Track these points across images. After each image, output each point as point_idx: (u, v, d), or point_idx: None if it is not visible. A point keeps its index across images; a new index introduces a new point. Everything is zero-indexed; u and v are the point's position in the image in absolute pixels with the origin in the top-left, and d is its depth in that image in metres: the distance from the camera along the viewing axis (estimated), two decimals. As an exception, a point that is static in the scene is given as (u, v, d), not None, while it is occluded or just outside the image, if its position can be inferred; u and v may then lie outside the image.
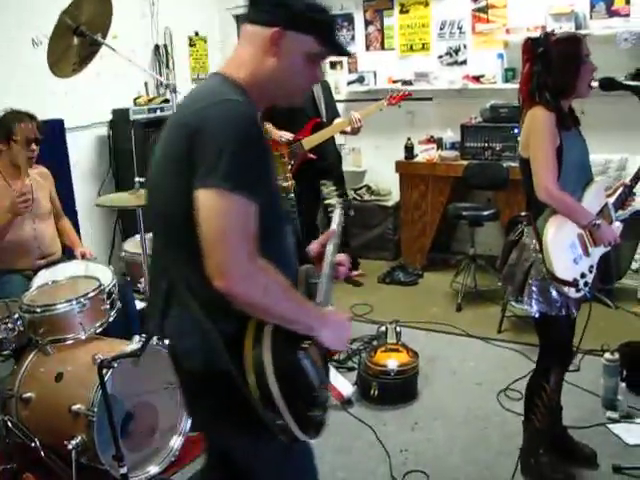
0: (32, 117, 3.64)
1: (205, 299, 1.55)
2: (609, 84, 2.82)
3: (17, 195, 3.42)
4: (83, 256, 3.88)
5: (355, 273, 5.59)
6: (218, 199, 1.46)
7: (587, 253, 2.74)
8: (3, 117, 3.61)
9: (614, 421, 3.38)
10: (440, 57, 5.94)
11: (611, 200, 2.88)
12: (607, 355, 3.53)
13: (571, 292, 2.68)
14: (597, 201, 2.81)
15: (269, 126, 4.89)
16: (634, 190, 2.94)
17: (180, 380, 1.76)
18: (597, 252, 2.79)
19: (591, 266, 2.76)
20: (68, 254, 3.91)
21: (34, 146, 3.61)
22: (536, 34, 2.84)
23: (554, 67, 2.64)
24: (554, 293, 2.69)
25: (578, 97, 2.70)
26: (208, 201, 1.47)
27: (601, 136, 4.79)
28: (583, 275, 2.71)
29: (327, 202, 2.28)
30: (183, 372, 1.72)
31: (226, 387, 1.55)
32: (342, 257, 2.03)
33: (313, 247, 2.03)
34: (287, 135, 4.82)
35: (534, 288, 2.72)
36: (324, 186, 2.33)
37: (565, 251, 2.69)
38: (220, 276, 1.46)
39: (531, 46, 2.71)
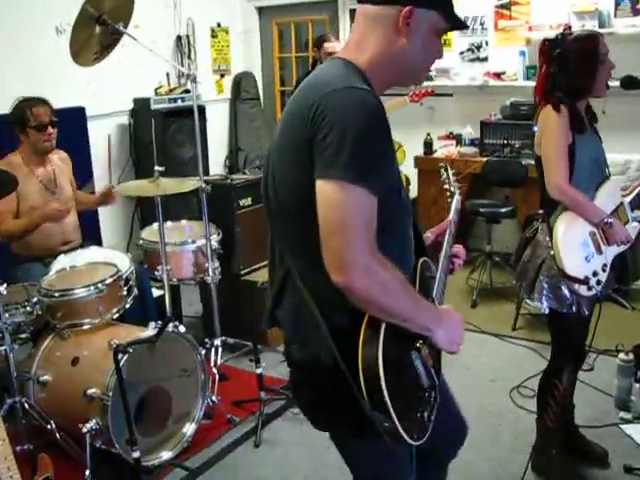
0: (44, 101, 3.65)
1: (318, 291, 1.53)
2: (630, 83, 2.80)
3: (54, 208, 3.52)
4: (108, 191, 3.94)
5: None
6: (339, 191, 1.40)
7: (600, 251, 2.72)
8: (15, 107, 3.63)
9: (627, 422, 3.37)
10: (462, 53, 5.92)
11: (627, 199, 2.85)
12: (621, 355, 3.53)
13: (582, 290, 2.66)
14: (612, 200, 2.78)
15: None
16: None
17: (289, 367, 1.73)
18: (611, 251, 2.76)
19: (604, 265, 2.73)
20: (87, 241, 3.95)
21: (50, 129, 3.63)
22: (557, 32, 2.82)
23: (571, 67, 2.62)
24: (565, 290, 2.68)
25: (596, 96, 2.69)
26: (329, 193, 1.41)
27: (622, 136, 4.77)
28: (595, 273, 2.69)
29: (445, 187, 2.20)
30: (291, 361, 1.70)
31: (331, 381, 1.52)
32: (459, 249, 1.99)
33: (428, 236, 1.97)
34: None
35: (545, 284, 2.72)
36: (443, 169, 2.23)
37: (576, 248, 2.67)
38: (339, 271, 1.41)
39: (548, 48, 2.71)
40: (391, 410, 1.44)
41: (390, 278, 1.47)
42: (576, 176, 2.63)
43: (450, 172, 2.26)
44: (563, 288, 2.69)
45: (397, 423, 1.46)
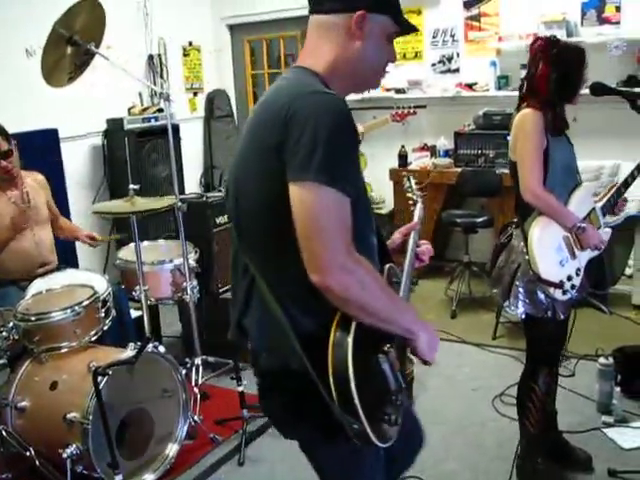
0: None
1: (286, 296, 1.54)
2: (600, 89, 2.84)
3: (19, 215, 3.48)
4: (91, 238, 3.92)
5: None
6: (315, 193, 1.42)
7: (574, 256, 2.76)
8: None
9: (609, 425, 3.38)
10: (433, 65, 5.97)
11: (599, 205, 2.89)
12: (602, 360, 3.55)
13: (557, 294, 2.69)
14: (584, 206, 2.82)
15: None
16: (626, 196, 2.96)
17: (257, 376, 1.74)
18: (584, 256, 2.80)
19: (578, 269, 2.77)
20: (63, 263, 3.90)
21: (3, 162, 3.50)
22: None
23: (569, 71, 2.69)
24: (540, 295, 2.71)
25: (573, 103, 2.75)
26: (304, 196, 1.43)
27: (594, 142, 4.84)
28: (570, 277, 2.73)
29: (408, 196, 2.24)
30: (259, 369, 1.70)
31: (300, 386, 1.54)
32: (426, 247, 2.02)
33: (395, 237, 2.01)
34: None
35: (521, 289, 2.74)
36: (406, 179, 2.28)
37: (551, 253, 2.71)
38: (317, 270, 1.43)
39: (546, 47, 2.74)
40: (360, 412, 1.46)
41: (369, 277, 1.49)
42: (550, 180, 2.67)
43: (412, 181, 2.31)
44: (539, 293, 2.71)
45: (366, 425, 1.47)
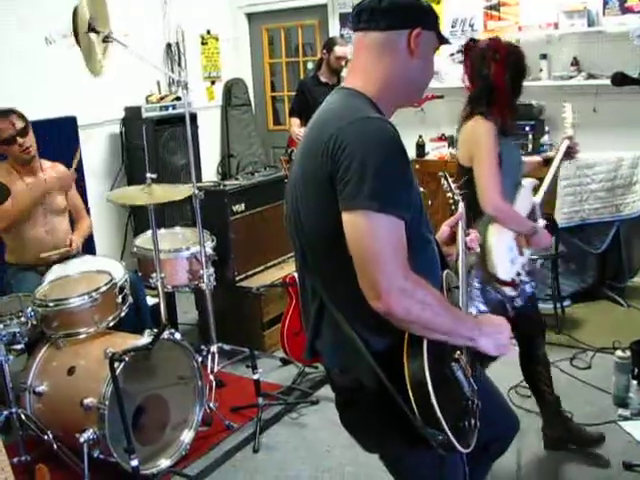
0: (5, 113, 3.54)
1: (355, 317, 1.56)
2: (621, 79, 2.80)
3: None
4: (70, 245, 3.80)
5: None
6: (366, 221, 1.44)
7: (522, 253, 2.84)
8: None
9: (625, 419, 3.36)
10: (452, 55, 5.91)
11: (538, 200, 2.94)
12: (619, 353, 3.52)
13: (508, 290, 2.78)
14: (527, 203, 2.89)
15: (294, 120, 4.91)
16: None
17: (334, 393, 1.76)
18: (528, 252, 2.88)
19: (523, 265, 2.85)
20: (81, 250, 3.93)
21: (19, 140, 3.55)
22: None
23: (521, 69, 2.77)
24: (493, 294, 2.79)
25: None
26: (357, 224, 1.45)
27: (613, 134, 4.80)
28: (519, 274, 2.81)
29: (448, 195, 2.25)
30: (334, 386, 1.74)
31: (375, 404, 1.57)
32: (475, 235, 2.08)
33: (443, 229, 2.03)
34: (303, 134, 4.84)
35: (475, 291, 2.79)
36: (443, 179, 2.27)
37: (505, 253, 2.78)
38: (377, 297, 1.45)
39: (492, 48, 2.75)
40: (443, 423, 1.48)
41: (428, 296, 1.50)
42: (503, 183, 2.69)
43: (449, 180, 2.29)
44: (491, 292, 2.78)
45: (450, 435, 1.50)
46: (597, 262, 4.82)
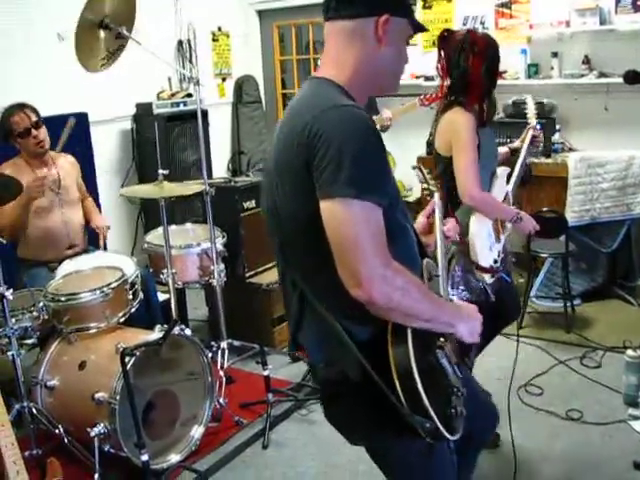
0: (20, 106, 3.62)
1: (336, 308, 1.55)
2: (633, 77, 2.79)
3: (34, 180, 3.48)
4: (97, 230, 3.92)
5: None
6: (344, 208, 1.43)
7: (499, 240, 2.89)
8: (1, 118, 3.64)
9: (636, 418, 3.35)
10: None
11: (510, 188, 3.00)
12: (629, 352, 3.52)
13: (487, 277, 2.83)
14: (502, 190, 2.95)
15: None
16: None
17: (319, 386, 1.76)
18: (504, 238, 2.95)
19: (499, 251, 2.89)
20: (92, 246, 3.96)
21: (34, 132, 3.61)
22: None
23: (496, 60, 2.76)
24: (473, 281, 2.83)
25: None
26: (335, 212, 1.44)
27: (625, 132, 4.78)
28: (495, 261, 2.86)
29: (423, 187, 2.21)
30: (318, 380, 1.74)
31: (361, 395, 1.57)
32: (451, 224, 2.08)
33: (420, 220, 2.02)
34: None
35: (457, 279, 2.82)
36: (417, 170, 2.29)
37: (485, 240, 2.82)
38: (357, 284, 1.43)
39: (467, 39, 2.73)
40: (430, 410, 1.48)
41: (408, 282, 1.49)
42: (480, 170, 2.72)
43: (424, 171, 2.29)
44: (472, 279, 2.83)
45: (438, 422, 1.50)
46: (608, 261, 4.81)
